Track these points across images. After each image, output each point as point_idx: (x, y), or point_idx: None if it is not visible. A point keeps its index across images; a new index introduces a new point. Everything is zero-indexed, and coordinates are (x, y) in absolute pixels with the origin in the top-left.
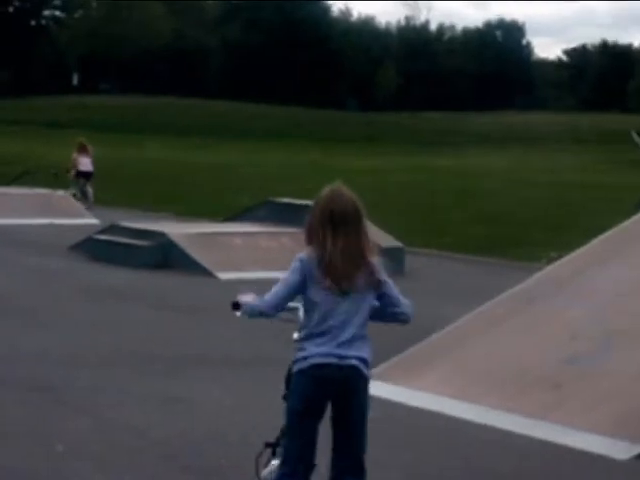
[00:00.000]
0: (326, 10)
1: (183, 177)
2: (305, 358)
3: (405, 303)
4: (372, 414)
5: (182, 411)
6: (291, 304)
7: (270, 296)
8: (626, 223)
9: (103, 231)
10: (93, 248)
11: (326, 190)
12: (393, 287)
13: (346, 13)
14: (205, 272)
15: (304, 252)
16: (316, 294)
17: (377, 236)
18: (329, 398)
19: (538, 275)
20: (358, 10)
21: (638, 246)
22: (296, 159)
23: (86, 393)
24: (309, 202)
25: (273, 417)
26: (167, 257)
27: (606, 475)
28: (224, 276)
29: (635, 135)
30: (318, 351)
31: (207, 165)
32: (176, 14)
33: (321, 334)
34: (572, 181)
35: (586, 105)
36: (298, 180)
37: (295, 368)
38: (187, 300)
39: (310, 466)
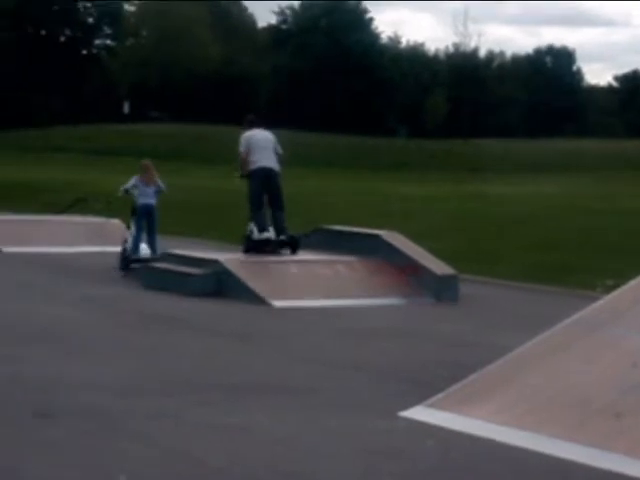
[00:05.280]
0: (376, 37)
1: (229, 205)
2: None
3: None
4: (430, 442)
5: (240, 439)
6: None
7: None
8: None
9: (156, 259)
10: (146, 276)
11: None
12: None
13: (395, 40)
14: (259, 300)
15: None
16: None
17: (432, 263)
18: None
19: (597, 303)
20: (407, 37)
21: None
22: (352, 186)
23: (143, 421)
24: (360, 230)
25: (329, 445)
26: (221, 285)
27: None
28: (278, 304)
29: None
30: None
31: None
32: (225, 40)
33: None
34: (627, 208)
35: (637, 131)
36: (353, 208)
37: None
38: (242, 328)
39: None
